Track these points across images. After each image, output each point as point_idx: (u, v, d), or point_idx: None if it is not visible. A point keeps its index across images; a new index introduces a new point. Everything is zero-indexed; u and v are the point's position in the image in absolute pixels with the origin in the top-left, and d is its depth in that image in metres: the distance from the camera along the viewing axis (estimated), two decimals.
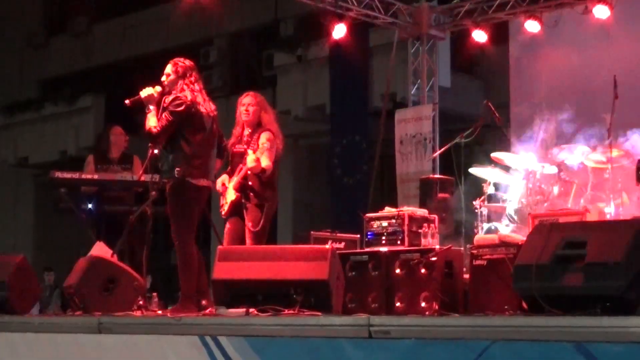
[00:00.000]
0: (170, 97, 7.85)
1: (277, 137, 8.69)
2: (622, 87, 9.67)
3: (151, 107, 7.85)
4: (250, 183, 8.50)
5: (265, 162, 8.46)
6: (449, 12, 13.76)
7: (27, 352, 7.17)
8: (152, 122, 7.80)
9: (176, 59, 8.12)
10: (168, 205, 7.86)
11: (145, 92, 7.91)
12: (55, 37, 25.07)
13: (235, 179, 8.57)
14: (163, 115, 7.79)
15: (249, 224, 8.48)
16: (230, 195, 8.56)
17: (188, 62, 8.09)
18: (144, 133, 7.85)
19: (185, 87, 7.92)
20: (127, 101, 7.96)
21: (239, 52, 21.46)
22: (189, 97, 7.83)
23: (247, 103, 8.71)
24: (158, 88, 7.94)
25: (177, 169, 7.73)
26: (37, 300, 8.77)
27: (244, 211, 8.52)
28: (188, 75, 8.00)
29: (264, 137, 8.61)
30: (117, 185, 9.82)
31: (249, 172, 8.44)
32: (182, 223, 7.81)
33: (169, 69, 8.05)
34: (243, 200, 8.53)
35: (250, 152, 8.49)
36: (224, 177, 8.68)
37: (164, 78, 8.02)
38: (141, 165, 9.56)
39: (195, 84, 8.00)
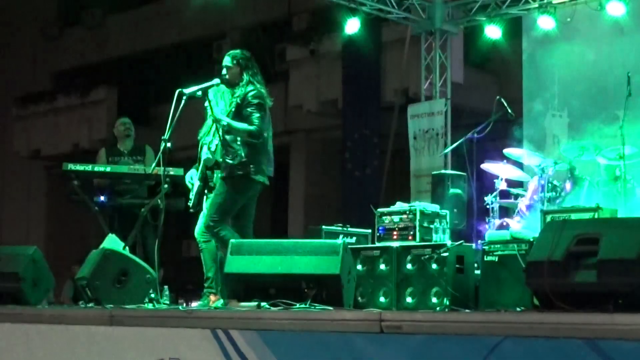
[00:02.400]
0: (250, 91, 7.83)
1: None
2: (635, 84, 9.65)
3: (211, 99, 7.80)
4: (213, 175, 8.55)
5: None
6: (463, 7, 13.73)
7: (40, 343, 7.19)
8: (240, 125, 7.71)
9: (233, 52, 8.10)
10: (220, 194, 7.87)
11: (206, 85, 7.83)
12: (69, 29, 25.09)
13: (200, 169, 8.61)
14: (248, 110, 7.74)
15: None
16: (195, 186, 8.61)
17: (247, 53, 8.07)
18: (244, 135, 7.74)
19: (251, 79, 7.92)
20: (185, 90, 7.83)
21: (252, 45, 21.38)
22: (263, 91, 7.82)
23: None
24: (217, 80, 7.89)
25: (251, 165, 7.71)
26: (50, 292, 8.78)
27: (204, 200, 8.58)
28: (250, 66, 7.96)
29: None
30: (129, 178, 9.84)
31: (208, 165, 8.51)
32: (229, 213, 7.86)
33: (228, 61, 8.00)
34: (205, 191, 8.57)
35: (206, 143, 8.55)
36: (193, 171, 8.69)
37: (224, 71, 7.97)
38: (154, 156, 9.59)
39: (258, 76, 7.98)
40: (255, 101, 7.86)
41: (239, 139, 7.86)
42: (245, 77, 7.98)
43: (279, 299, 6.76)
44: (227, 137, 7.91)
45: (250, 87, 7.92)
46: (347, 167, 16.97)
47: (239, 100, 7.92)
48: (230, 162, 7.87)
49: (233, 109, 7.92)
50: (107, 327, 6.82)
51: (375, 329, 5.46)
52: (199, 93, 7.84)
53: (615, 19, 11.69)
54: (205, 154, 8.47)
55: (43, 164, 24.81)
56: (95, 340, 6.84)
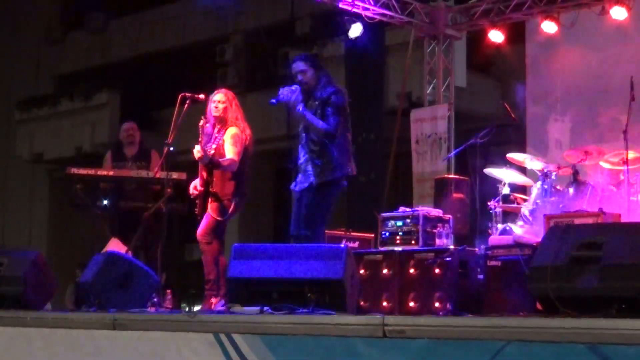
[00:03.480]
0: (333, 92, 7.60)
1: (244, 133, 8.68)
2: (639, 89, 9.65)
3: (300, 107, 7.51)
4: (214, 179, 8.53)
5: (229, 156, 8.50)
6: (466, 11, 13.73)
7: (43, 347, 7.19)
8: (320, 123, 7.46)
9: (300, 55, 8.01)
10: (314, 199, 7.61)
11: (289, 95, 7.63)
12: (72, 33, 25.11)
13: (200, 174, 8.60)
14: (328, 110, 7.54)
15: (211, 212, 8.51)
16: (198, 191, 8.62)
17: (313, 53, 7.94)
18: (320, 134, 7.48)
19: (330, 79, 7.74)
20: (272, 100, 7.66)
21: (255, 49, 21.47)
22: (344, 90, 7.65)
23: (217, 100, 8.69)
24: (296, 86, 7.67)
25: (346, 166, 7.54)
26: (52, 296, 8.79)
27: (208, 205, 8.56)
28: (322, 67, 7.80)
29: (229, 132, 8.63)
30: (134, 182, 9.85)
31: (209, 165, 8.45)
32: (325, 218, 7.64)
33: (301, 65, 7.79)
34: (207, 197, 8.56)
35: (198, 147, 8.49)
36: (196, 182, 8.66)
37: (299, 77, 7.74)
38: (159, 161, 9.59)
39: (329, 76, 7.78)
40: (338, 102, 7.60)
41: (328, 144, 7.60)
42: (323, 78, 7.74)
43: (282, 303, 6.76)
44: (314, 142, 7.64)
45: (331, 88, 7.68)
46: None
47: (321, 102, 7.65)
48: (322, 165, 7.60)
49: (319, 111, 7.62)
50: (110, 331, 6.82)
51: (378, 334, 5.46)
52: (277, 101, 7.63)
53: (618, 24, 11.69)
54: (196, 152, 8.43)
55: (46, 167, 24.82)
56: (98, 345, 6.84)
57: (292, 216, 7.77)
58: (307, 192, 7.55)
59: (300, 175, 7.61)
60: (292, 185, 7.75)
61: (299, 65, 7.80)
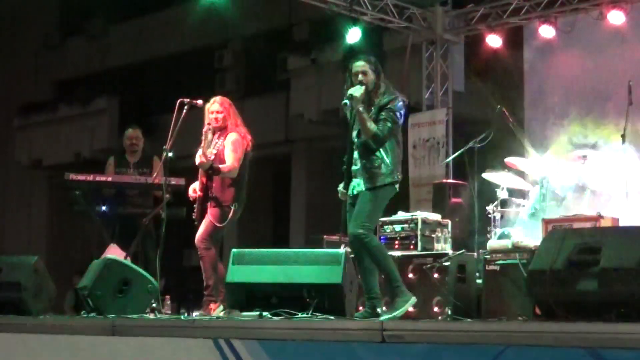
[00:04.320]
0: (392, 99, 7.35)
1: (245, 139, 8.68)
2: (637, 93, 9.66)
3: (360, 107, 7.28)
4: (213, 184, 8.52)
5: (229, 163, 8.50)
6: (463, 16, 13.76)
7: (42, 353, 7.19)
8: (371, 125, 7.25)
9: (365, 56, 7.61)
10: (368, 203, 7.34)
11: (357, 91, 7.32)
12: (70, 39, 25.13)
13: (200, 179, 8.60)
14: (382, 115, 7.27)
15: (210, 218, 8.48)
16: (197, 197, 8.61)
17: (374, 58, 7.63)
18: (368, 135, 7.26)
19: (390, 85, 7.51)
20: (345, 101, 7.34)
21: (254, 55, 21.47)
22: (404, 100, 7.44)
23: (215, 110, 8.67)
24: (361, 88, 7.36)
25: (397, 172, 7.44)
26: (52, 302, 8.78)
27: (207, 211, 8.54)
28: (382, 70, 7.55)
29: (229, 138, 8.62)
30: (133, 188, 9.84)
31: (209, 171, 8.45)
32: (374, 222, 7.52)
33: (365, 66, 7.48)
34: (206, 202, 8.55)
35: (200, 151, 8.47)
36: (196, 184, 8.67)
37: (360, 77, 7.40)
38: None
39: (388, 85, 7.54)
40: (396, 110, 7.34)
41: (388, 146, 7.36)
42: (383, 83, 7.47)
43: (281, 309, 6.77)
44: (368, 146, 7.37)
45: (391, 96, 7.41)
46: None
47: (377, 107, 7.37)
48: (375, 170, 7.35)
49: (373, 116, 7.34)
50: (109, 337, 6.82)
51: (377, 339, 5.46)
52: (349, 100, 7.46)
53: (616, 28, 11.70)
54: (198, 158, 8.44)
55: (45, 173, 24.81)
56: (97, 351, 6.84)
57: (344, 220, 7.59)
58: (361, 197, 7.36)
59: (354, 180, 7.45)
60: (343, 188, 7.58)
61: (362, 65, 7.49)
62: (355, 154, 7.48)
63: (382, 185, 7.32)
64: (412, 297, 7.09)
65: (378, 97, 7.39)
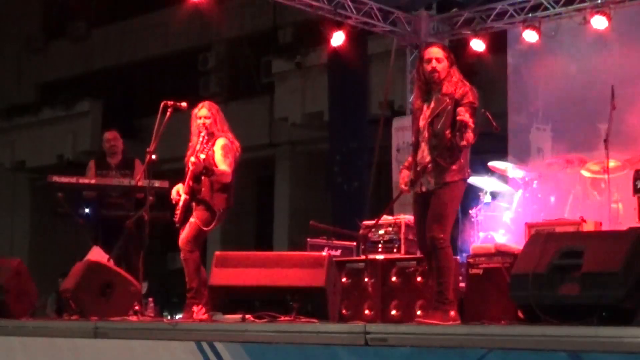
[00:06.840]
0: (469, 91, 7.07)
1: (234, 145, 8.66)
2: (620, 98, 9.70)
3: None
4: (202, 188, 8.46)
5: (223, 167, 8.46)
6: (448, 20, 13.77)
7: (24, 356, 7.16)
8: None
9: (440, 44, 7.35)
10: (442, 204, 6.92)
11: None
12: (54, 41, 25.06)
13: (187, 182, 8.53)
14: (462, 110, 6.92)
15: (197, 220, 8.40)
16: (182, 200, 8.52)
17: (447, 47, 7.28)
18: (470, 140, 6.81)
19: (461, 77, 7.18)
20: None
21: (238, 58, 21.47)
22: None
23: (203, 116, 8.59)
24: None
25: (467, 169, 7.18)
26: (34, 304, 8.76)
27: (192, 213, 8.46)
28: (455, 62, 7.23)
29: (219, 143, 8.57)
30: (116, 191, 9.82)
31: (203, 173, 8.39)
32: (450, 224, 7.03)
33: (440, 52, 7.15)
34: (192, 204, 8.50)
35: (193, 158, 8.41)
36: (179, 186, 8.60)
37: (434, 63, 7.09)
38: (142, 169, 9.55)
39: (460, 75, 7.21)
40: (475, 103, 7.06)
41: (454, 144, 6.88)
42: (456, 73, 7.17)
43: (264, 311, 6.76)
44: (441, 140, 6.98)
45: (465, 88, 7.11)
46: (336, 180, 16.95)
47: (452, 98, 7.05)
48: (446, 167, 6.95)
49: (449, 108, 7.01)
50: (92, 339, 6.81)
51: (360, 342, 5.46)
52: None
53: (599, 33, 11.74)
54: (192, 161, 8.37)
55: (27, 175, 24.74)
56: (80, 353, 6.82)
57: (417, 220, 7.21)
58: (434, 194, 6.93)
59: (422, 176, 6.95)
60: (410, 186, 7.05)
61: (437, 52, 7.17)
62: (424, 146, 7.10)
63: (454, 181, 6.97)
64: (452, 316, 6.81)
65: (450, 85, 7.09)
